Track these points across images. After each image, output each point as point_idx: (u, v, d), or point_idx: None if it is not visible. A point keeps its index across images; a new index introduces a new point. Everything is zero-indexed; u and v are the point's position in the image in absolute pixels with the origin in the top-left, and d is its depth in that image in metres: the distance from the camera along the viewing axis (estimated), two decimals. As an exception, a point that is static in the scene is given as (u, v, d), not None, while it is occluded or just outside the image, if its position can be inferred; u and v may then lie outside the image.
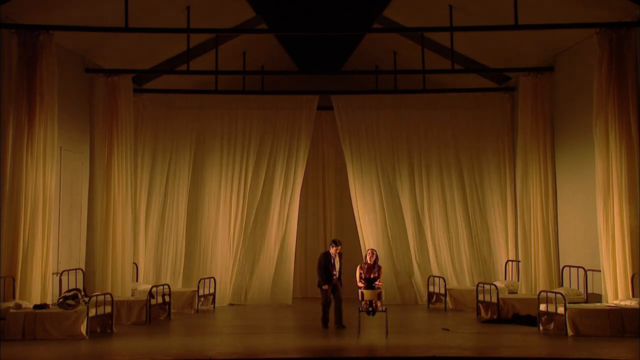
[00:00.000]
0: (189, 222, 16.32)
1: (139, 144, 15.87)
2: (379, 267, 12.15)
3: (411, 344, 10.66)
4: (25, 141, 11.62)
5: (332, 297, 12.27)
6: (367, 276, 11.91)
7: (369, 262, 12.05)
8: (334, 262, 12.44)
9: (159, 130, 16.30)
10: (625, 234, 11.47)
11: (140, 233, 15.77)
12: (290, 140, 16.57)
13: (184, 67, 14.60)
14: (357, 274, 12.13)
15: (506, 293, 14.42)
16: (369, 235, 16.32)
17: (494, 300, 13.25)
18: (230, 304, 15.94)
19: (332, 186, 16.95)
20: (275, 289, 16.24)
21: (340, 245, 12.58)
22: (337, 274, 12.42)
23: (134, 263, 15.18)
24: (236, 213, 16.33)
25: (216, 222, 16.28)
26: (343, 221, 17.04)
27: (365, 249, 15.69)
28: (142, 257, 15.84)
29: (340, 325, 12.12)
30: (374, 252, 12.26)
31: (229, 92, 16.27)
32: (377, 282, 11.91)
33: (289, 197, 16.47)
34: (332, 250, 12.47)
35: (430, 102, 16.68)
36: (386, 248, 16.33)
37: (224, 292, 15.95)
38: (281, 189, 16.50)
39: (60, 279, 13.10)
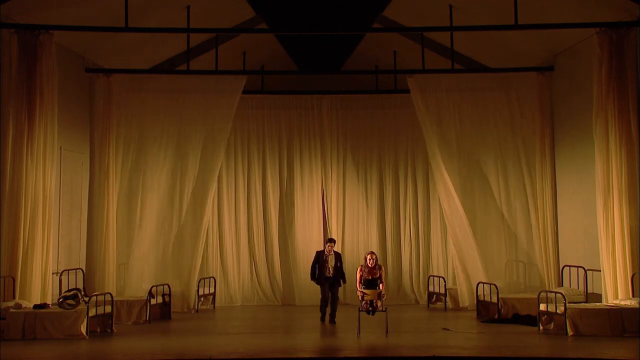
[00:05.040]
0: (191, 222, 16.29)
1: (139, 144, 15.84)
2: (380, 267, 12.06)
3: (411, 344, 10.64)
4: (25, 141, 11.62)
5: (329, 293, 12.85)
6: (368, 277, 11.84)
7: (369, 265, 11.94)
8: (328, 259, 12.99)
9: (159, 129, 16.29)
10: (625, 234, 11.48)
11: (140, 232, 15.75)
12: (293, 140, 16.65)
13: (184, 67, 14.60)
14: (358, 276, 12.05)
15: (506, 293, 14.40)
16: (369, 234, 16.40)
17: (494, 300, 13.24)
18: (241, 305, 16.00)
19: (332, 185, 16.94)
20: (285, 289, 16.31)
21: (335, 242, 13.30)
22: (332, 271, 12.93)
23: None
24: (242, 213, 16.43)
25: (221, 222, 16.34)
26: (344, 221, 17.00)
27: (364, 249, 15.70)
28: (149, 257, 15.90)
29: (331, 320, 12.74)
30: (374, 255, 12.05)
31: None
32: (380, 286, 11.79)
33: (291, 198, 16.60)
34: (327, 248, 13.09)
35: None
36: (386, 248, 16.34)
37: (234, 292, 16.02)
38: (282, 189, 16.64)
39: (60, 279, 13.11)
